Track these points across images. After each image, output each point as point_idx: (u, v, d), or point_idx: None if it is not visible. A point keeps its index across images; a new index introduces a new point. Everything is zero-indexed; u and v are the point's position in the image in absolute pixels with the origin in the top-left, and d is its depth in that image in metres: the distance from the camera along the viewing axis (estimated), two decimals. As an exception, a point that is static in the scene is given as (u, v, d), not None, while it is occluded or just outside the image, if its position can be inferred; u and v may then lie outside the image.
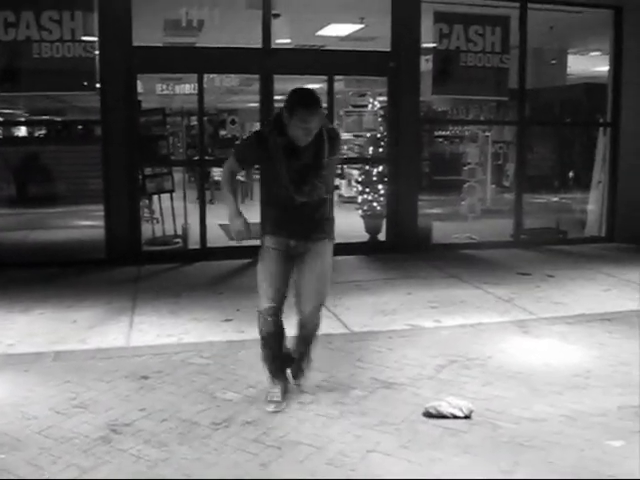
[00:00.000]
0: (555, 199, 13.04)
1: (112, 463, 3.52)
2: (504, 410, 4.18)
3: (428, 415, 4.10)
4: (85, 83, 8.51)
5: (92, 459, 3.56)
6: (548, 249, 9.70)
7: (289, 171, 3.94)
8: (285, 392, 4.32)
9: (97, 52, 8.37)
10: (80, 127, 14.73)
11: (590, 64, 13.74)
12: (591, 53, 13.40)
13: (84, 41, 8.28)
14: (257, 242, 9.40)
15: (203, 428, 3.94)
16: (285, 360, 4.43)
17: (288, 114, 3.83)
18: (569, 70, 13.40)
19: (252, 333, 5.66)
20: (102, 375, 4.77)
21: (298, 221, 4.08)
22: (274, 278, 4.14)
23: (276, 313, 4.17)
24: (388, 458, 3.60)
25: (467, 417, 4.07)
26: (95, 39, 8.36)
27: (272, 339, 4.26)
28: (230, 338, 5.61)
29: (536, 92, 11.90)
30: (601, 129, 10.61)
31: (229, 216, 4.19)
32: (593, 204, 10.76)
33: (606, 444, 3.75)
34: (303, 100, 3.85)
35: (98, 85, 8.48)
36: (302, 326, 4.33)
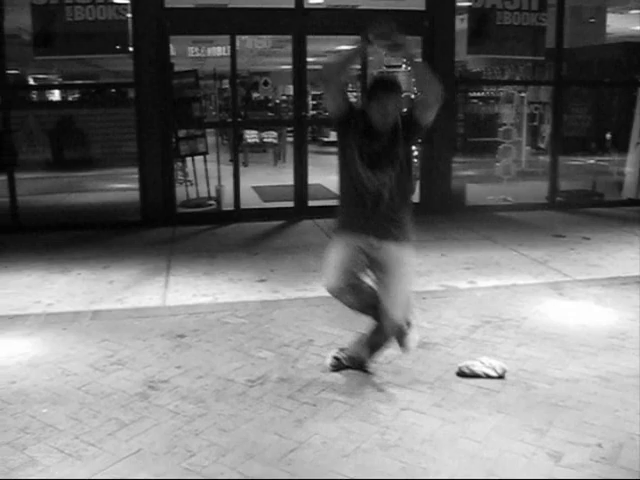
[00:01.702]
0: (591, 161, 12.83)
1: (150, 418, 3.60)
2: (538, 370, 4.18)
3: (462, 374, 4.11)
4: (118, 46, 8.53)
5: (131, 414, 3.64)
6: (584, 212, 9.58)
7: (363, 156, 3.81)
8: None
9: (129, 14, 8.37)
10: (113, 90, 14.79)
11: (630, 22, 13.40)
12: (631, 11, 13.05)
13: (116, 3, 8.29)
14: (289, 204, 9.42)
15: (239, 385, 4.00)
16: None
17: (368, 97, 3.80)
18: (608, 29, 13.10)
19: (286, 293, 5.77)
20: (139, 334, 4.85)
21: (377, 219, 3.85)
22: (343, 264, 3.89)
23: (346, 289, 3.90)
24: (422, 416, 3.62)
25: (501, 377, 4.08)
26: (127, 1, 8.35)
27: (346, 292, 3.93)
28: (264, 298, 5.66)
29: (574, 51, 11.65)
30: (640, 89, 10.38)
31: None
32: (631, 166, 10.58)
33: (641, 405, 3.74)
34: (383, 82, 3.87)
35: (131, 48, 8.50)
36: (387, 328, 3.98)
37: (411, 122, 3.85)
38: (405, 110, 3.95)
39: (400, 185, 3.87)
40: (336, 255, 3.92)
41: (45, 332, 4.92)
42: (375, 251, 3.88)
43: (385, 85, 3.82)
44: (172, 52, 9.85)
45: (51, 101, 17.43)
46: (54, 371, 4.21)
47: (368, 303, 3.95)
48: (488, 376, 4.07)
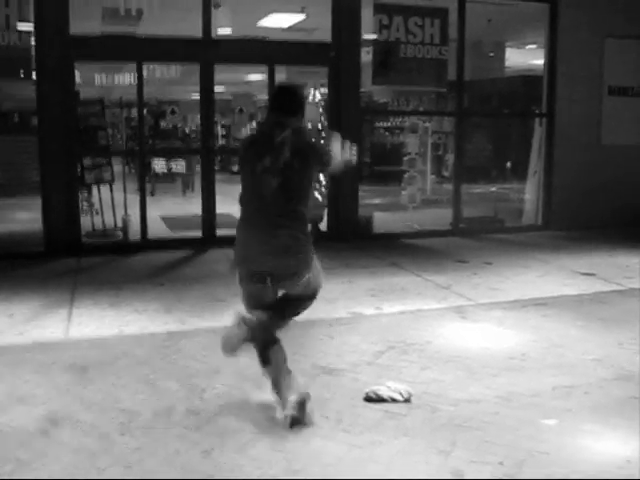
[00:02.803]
0: (493, 189, 13.31)
1: (51, 456, 3.49)
2: (442, 393, 4.28)
3: (368, 399, 4.16)
4: (21, 72, 8.33)
5: (31, 452, 3.52)
6: (486, 237, 9.90)
7: (254, 174, 3.83)
8: None
9: (33, 40, 8.20)
10: (16, 117, 14.40)
11: (527, 57, 14.04)
12: (528, 46, 13.68)
13: (20, 30, 8.10)
14: (197, 233, 9.34)
15: (144, 418, 3.93)
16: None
17: (268, 109, 3.97)
18: (507, 62, 13.69)
19: (193, 323, 5.71)
20: (40, 368, 4.70)
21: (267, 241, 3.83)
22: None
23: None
24: (329, 442, 3.64)
25: (406, 400, 4.15)
26: (31, 26, 8.18)
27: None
28: (171, 329, 5.59)
29: (474, 83, 12.13)
30: (537, 120, 10.87)
31: None
32: (530, 193, 11.03)
33: (540, 423, 3.87)
34: (280, 93, 3.98)
35: (34, 75, 8.31)
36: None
37: (308, 159, 3.87)
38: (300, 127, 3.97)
39: (295, 189, 3.85)
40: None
41: (-61, 369, 4.71)
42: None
43: (285, 93, 3.95)
44: (78, 79, 9.70)
45: (-51, 128, 16.80)
46: (-52, 409, 4.03)
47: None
48: (394, 400, 4.13)
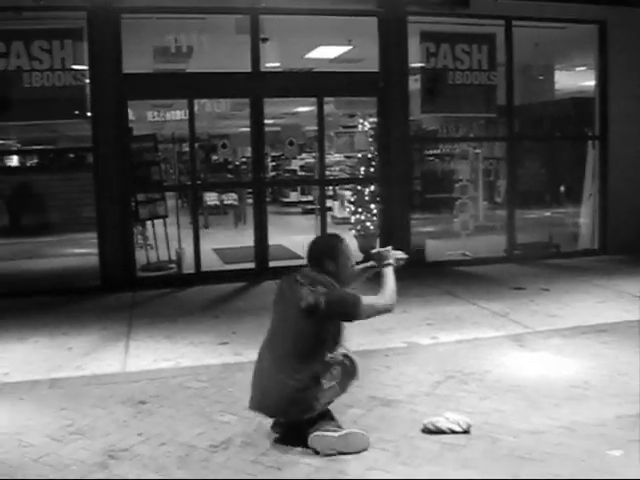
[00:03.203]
0: (547, 213, 13.09)
1: (111, 489, 3.51)
2: (502, 423, 4.18)
3: (427, 431, 4.09)
4: (76, 111, 8.56)
5: (90, 485, 3.55)
6: (542, 263, 9.73)
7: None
8: None
9: (87, 80, 8.42)
10: (72, 155, 14.75)
11: (577, 79, 13.86)
12: (577, 68, 13.52)
13: (74, 69, 8.34)
14: (250, 265, 9.38)
15: (201, 451, 3.92)
16: None
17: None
18: (556, 85, 13.52)
19: (248, 355, 5.68)
20: (98, 401, 4.75)
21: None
22: None
23: None
24: (387, 475, 3.59)
25: (465, 432, 4.06)
26: (85, 67, 8.42)
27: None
28: (226, 361, 5.60)
29: (524, 108, 11.99)
30: (590, 142, 10.70)
31: None
32: (585, 217, 10.82)
33: (606, 454, 3.75)
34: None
35: (89, 113, 8.53)
36: None
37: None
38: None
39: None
40: None
41: (1, 402, 4.78)
42: None
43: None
44: (131, 116, 9.93)
45: (9, 167, 17.31)
46: (10, 443, 4.08)
47: None
48: (453, 431, 4.05)
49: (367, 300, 3.99)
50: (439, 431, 4.06)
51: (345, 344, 4.09)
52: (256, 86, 8.98)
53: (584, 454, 3.75)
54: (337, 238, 4.29)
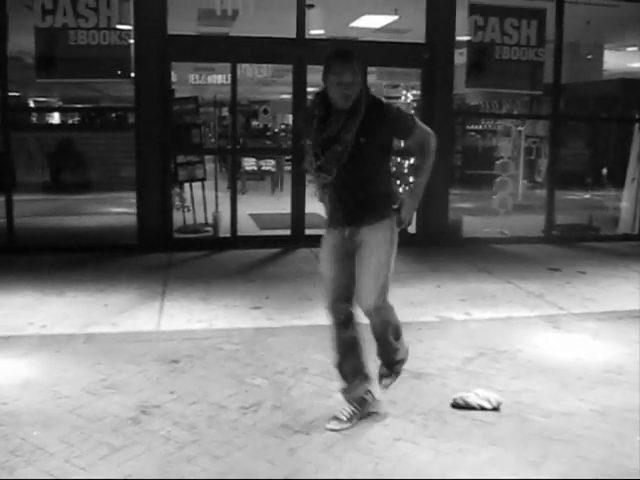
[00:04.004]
0: (588, 195, 12.91)
1: (142, 443, 3.57)
2: (533, 403, 4.16)
3: (456, 406, 4.09)
4: (120, 71, 8.58)
5: (122, 438, 3.61)
6: (580, 245, 9.59)
7: (316, 145, 3.64)
8: (355, 411, 3.87)
9: (132, 40, 8.44)
10: (114, 115, 14.88)
11: (627, 59, 13.56)
12: (628, 48, 13.21)
13: (119, 29, 8.35)
14: (286, 232, 9.43)
15: (232, 412, 3.97)
16: (357, 372, 3.92)
17: (324, 73, 3.64)
18: (605, 65, 13.24)
19: (281, 321, 5.76)
20: (132, 358, 4.82)
21: (345, 204, 3.71)
22: (332, 278, 3.81)
23: (341, 312, 3.82)
24: (415, 447, 3.60)
25: (495, 409, 4.05)
26: (130, 27, 8.42)
27: (339, 342, 3.89)
28: (259, 325, 5.65)
29: (571, 87, 11.79)
30: (636, 125, 10.48)
31: None
32: (627, 201, 10.62)
33: (636, 440, 3.71)
34: (337, 53, 3.67)
35: (132, 73, 8.55)
36: (366, 315, 3.78)
37: (391, 129, 3.70)
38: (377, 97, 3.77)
39: (367, 164, 3.66)
40: (323, 270, 3.87)
41: (38, 354, 4.89)
42: (349, 242, 3.75)
43: (339, 55, 3.66)
44: (173, 78, 9.93)
45: (51, 124, 17.51)
46: (46, 394, 4.17)
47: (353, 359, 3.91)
48: (483, 408, 4.04)
49: None
50: (469, 407, 4.06)
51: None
52: (300, 52, 8.92)
53: (615, 438, 3.72)
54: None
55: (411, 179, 10.19)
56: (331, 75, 3.60)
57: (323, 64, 3.67)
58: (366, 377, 3.93)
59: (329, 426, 3.78)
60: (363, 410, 3.90)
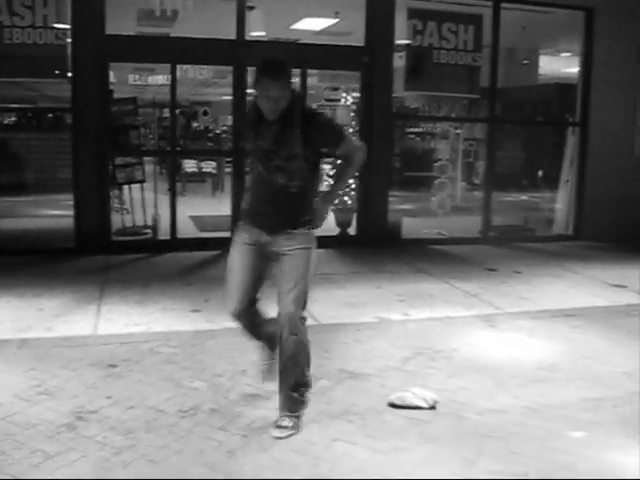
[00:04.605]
0: (524, 197, 13.20)
1: (77, 449, 3.51)
2: (468, 401, 4.24)
3: (393, 405, 4.14)
4: (57, 71, 8.43)
5: (57, 445, 3.55)
6: (516, 246, 9.81)
7: (255, 149, 3.76)
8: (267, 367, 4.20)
9: (69, 40, 8.29)
10: (50, 115, 14.58)
11: (561, 65, 13.92)
12: (562, 54, 13.57)
13: (56, 28, 8.19)
14: (226, 234, 9.38)
15: (170, 416, 3.94)
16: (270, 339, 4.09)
17: (254, 84, 3.66)
18: (540, 70, 13.58)
19: (220, 323, 5.71)
20: (68, 363, 4.74)
21: (267, 206, 3.79)
22: (241, 277, 3.87)
23: (240, 315, 3.95)
24: (353, 447, 3.63)
25: (432, 408, 4.12)
26: (68, 26, 8.27)
27: (247, 332, 4.14)
28: (198, 328, 5.61)
29: (507, 91, 12.04)
30: (570, 128, 10.76)
31: None
32: (561, 203, 10.91)
33: (567, 435, 3.83)
34: (266, 66, 3.67)
35: (70, 74, 8.40)
36: (281, 348, 3.79)
37: (320, 140, 3.76)
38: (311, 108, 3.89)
39: (297, 174, 3.72)
40: (234, 264, 3.91)
41: (-31, 361, 4.77)
42: (268, 245, 3.81)
43: (268, 69, 3.65)
44: (112, 79, 9.78)
45: (-15, 124, 17.04)
46: (-23, 401, 4.08)
47: (263, 331, 4.11)
48: (419, 407, 4.10)
49: None
50: (406, 406, 4.11)
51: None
52: (240, 54, 8.90)
53: (546, 434, 3.83)
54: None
55: (351, 181, 10.28)
56: (259, 88, 3.63)
57: (255, 74, 3.69)
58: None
59: (275, 434, 3.72)
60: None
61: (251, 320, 4.03)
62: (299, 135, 3.67)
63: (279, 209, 3.77)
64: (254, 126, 3.74)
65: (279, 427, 3.77)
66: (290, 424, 3.77)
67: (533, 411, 4.13)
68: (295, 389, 3.83)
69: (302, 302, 3.75)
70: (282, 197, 3.75)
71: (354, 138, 3.89)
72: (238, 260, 3.89)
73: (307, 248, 3.80)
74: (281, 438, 3.69)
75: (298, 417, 3.82)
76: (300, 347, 3.78)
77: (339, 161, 3.94)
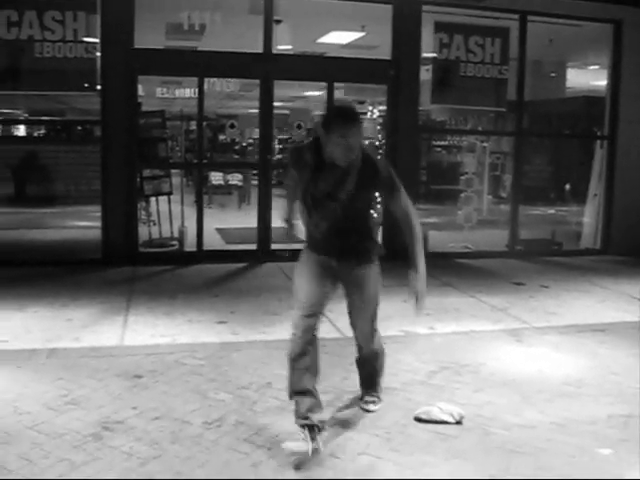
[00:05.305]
0: (551, 211, 13.08)
1: (103, 459, 3.53)
2: (495, 416, 4.20)
3: (419, 420, 4.11)
4: (86, 84, 8.55)
5: (83, 455, 3.57)
6: (543, 260, 9.73)
7: (306, 195, 3.76)
8: (313, 434, 3.62)
9: (98, 53, 8.41)
10: (80, 128, 14.74)
11: (589, 77, 13.82)
12: (590, 67, 13.47)
13: (86, 42, 8.33)
14: (252, 246, 9.41)
15: (195, 427, 3.95)
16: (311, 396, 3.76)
17: (325, 130, 3.60)
18: (568, 83, 13.48)
19: (246, 335, 5.75)
20: (94, 373, 4.77)
21: (335, 244, 3.85)
22: (310, 291, 3.81)
23: (308, 330, 3.75)
24: (378, 461, 3.61)
25: (458, 423, 4.09)
26: (97, 40, 8.40)
27: (298, 361, 3.73)
28: (224, 340, 5.63)
29: (534, 104, 11.95)
30: (598, 142, 10.68)
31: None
32: (589, 216, 10.82)
33: (595, 452, 3.77)
34: (342, 112, 3.69)
35: (99, 86, 8.52)
36: (359, 352, 4.24)
37: (380, 186, 3.79)
38: (373, 157, 3.86)
39: (358, 213, 3.84)
40: (304, 275, 3.88)
41: (-2, 370, 4.82)
42: (337, 270, 3.88)
43: (347, 116, 3.64)
44: (140, 92, 9.91)
45: (15, 136, 17.29)
46: (6, 409, 4.11)
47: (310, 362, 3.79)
48: (445, 422, 4.07)
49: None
50: (432, 420, 4.08)
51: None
52: (267, 68, 8.96)
53: (574, 450, 3.77)
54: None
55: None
56: (335, 135, 3.57)
57: (324, 119, 3.69)
58: (319, 405, 3.78)
59: (295, 450, 3.57)
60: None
61: (311, 341, 3.78)
62: (362, 179, 3.68)
63: (343, 245, 3.87)
64: (314, 170, 3.70)
65: (366, 402, 4.25)
66: (375, 399, 4.27)
67: (560, 427, 4.08)
68: (371, 385, 4.33)
69: (375, 322, 4.14)
70: (348, 235, 3.84)
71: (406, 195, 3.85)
72: (308, 273, 3.89)
73: (376, 278, 4.08)
74: (373, 411, 4.21)
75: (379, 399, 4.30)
76: (377, 355, 4.26)
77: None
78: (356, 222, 3.85)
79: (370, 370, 4.31)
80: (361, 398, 4.34)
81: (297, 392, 3.75)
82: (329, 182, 3.69)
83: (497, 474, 3.49)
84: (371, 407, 4.26)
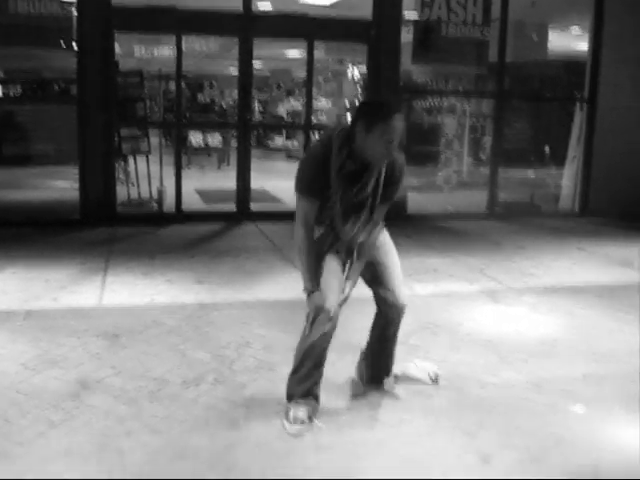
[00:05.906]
0: (530, 173, 13.13)
1: (81, 417, 3.55)
2: (471, 375, 4.26)
3: (395, 376, 4.15)
4: (62, 42, 8.39)
5: (62, 413, 3.58)
6: (522, 222, 9.78)
7: (343, 204, 3.53)
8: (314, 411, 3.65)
9: (75, 10, 8.24)
10: (56, 86, 14.51)
11: (571, 41, 13.78)
12: (572, 30, 13.42)
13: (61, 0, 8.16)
14: (231, 207, 9.36)
15: (173, 386, 3.97)
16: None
17: (366, 129, 3.33)
18: (550, 46, 13.43)
19: (224, 296, 5.75)
20: (73, 333, 4.77)
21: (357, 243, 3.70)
22: (338, 280, 3.71)
23: (336, 317, 3.69)
24: (357, 418, 3.65)
25: (434, 381, 4.14)
26: (73, -3, 8.24)
27: (327, 343, 3.68)
28: (202, 300, 5.63)
29: (516, 66, 11.91)
30: (578, 105, 10.68)
31: (306, 284, 3.65)
32: (567, 179, 10.87)
33: (569, 410, 3.84)
34: (387, 111, 3.38)
35: (75, 44, 8.37)
36: (398, 313, 3.94)
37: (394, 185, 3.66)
38: (402, 172, 3.69)
39: (377, 216, 3.69)
40: (330, 268, 3.69)
41: (-25, 330, 4.80)
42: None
43: (392, 115, 3.35)
44: (118, 50, 9.73)
45: (-10, 95, 16.98)
46: (-17, 369, 4.11)
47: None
48: (421, 380, 4.12)
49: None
50: (408, 378, 4.13)
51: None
52: (246, 26, 8.84)
53: (548, 409, 3.84)
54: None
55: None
56: (377, 135, 3.32)
57: (364, 117, 3.39)
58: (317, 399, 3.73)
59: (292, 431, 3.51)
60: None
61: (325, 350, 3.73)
62: (387, 177, 3.57)
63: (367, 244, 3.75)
64: (344, 171, 3.45)
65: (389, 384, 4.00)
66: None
67: (535, 386, 4.15)
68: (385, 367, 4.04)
69: None
70: (370, 235, 3.72)
71: None
72: (332, 265, 3.70)
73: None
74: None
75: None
76: (399, 325, 4.01)
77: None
78: (373, 222, 3.69)
79: (396, 333, 3.99)
80: (378, 381, 4.02)
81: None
82: (365, 184, 3.51)
83: (471, 431, 3.54)
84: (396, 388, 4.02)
